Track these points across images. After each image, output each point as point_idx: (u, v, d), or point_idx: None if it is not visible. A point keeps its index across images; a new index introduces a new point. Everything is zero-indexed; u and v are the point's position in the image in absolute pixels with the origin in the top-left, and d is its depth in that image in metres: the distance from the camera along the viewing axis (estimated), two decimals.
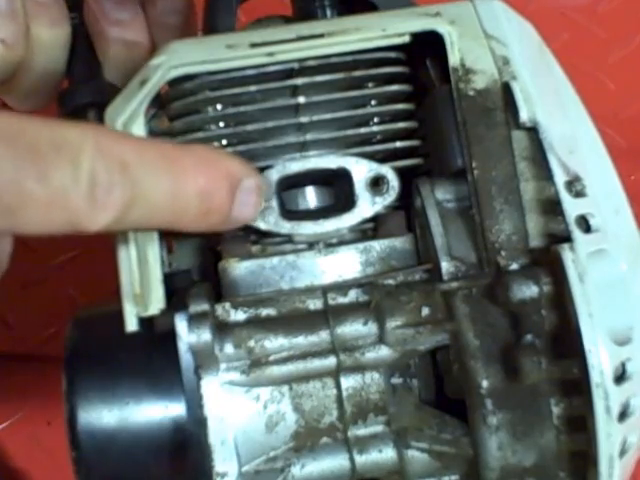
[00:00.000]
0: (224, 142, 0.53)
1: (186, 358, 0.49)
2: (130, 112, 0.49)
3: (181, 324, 0.49)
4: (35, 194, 0.39)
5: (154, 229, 0.47)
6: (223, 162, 0.46)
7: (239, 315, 0.51)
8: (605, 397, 0.45)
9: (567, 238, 0.47)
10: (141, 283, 0.48)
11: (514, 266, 0.48)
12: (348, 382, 0.51)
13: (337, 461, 0.50)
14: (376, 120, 0.54)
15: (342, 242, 0.53)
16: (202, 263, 0.58)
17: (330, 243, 0.53)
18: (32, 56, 0.57)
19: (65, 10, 0.58)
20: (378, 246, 0.53)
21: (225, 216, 0.46)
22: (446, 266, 0.50)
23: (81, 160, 0.40)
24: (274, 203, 0.52)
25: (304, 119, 0.52)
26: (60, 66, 0.59)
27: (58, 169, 0.40)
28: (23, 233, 0.41)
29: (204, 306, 0.49)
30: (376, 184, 0.52)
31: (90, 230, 0.42)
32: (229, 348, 0.50)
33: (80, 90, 0.58)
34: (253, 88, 0.51)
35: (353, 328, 0.50)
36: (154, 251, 0.49)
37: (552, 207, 0.48)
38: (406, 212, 0.54)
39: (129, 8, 0.60)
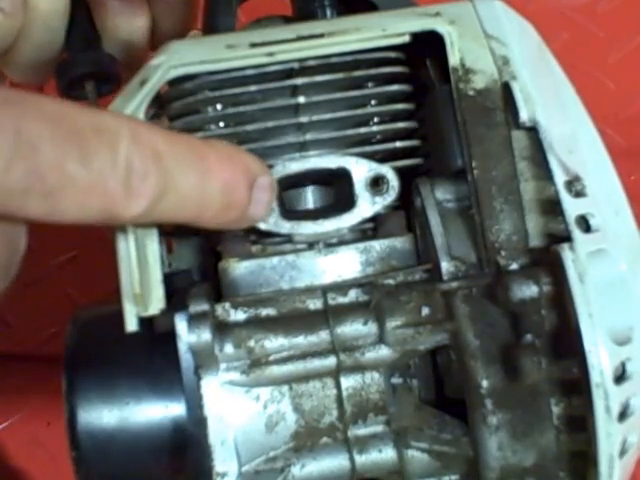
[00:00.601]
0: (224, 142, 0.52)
1: (186, 358, 0.49)
2: (130, 112, 0.49)
3: (181, 324, 0.49)
4: (77, 177, 0.39)
5: (183, 222, 0.47)
6: (242, 158, 0.47)
7: (239, 315, 0.51)
8: (605, 397, 0.45)
9: (567, 238, 0.47)
10: (141, 283, 0.48)
11: (514, 266, 0.48)
12: (348, 382, 0.51)
13: (337, 461, 0.50)
14: (376, 120, 0.54)
15: (342, 242, 0.53)
16: (202, 263, 0.58)
17: (330, 243, 0.53)
18: (31, 25, 0.56)
19: None
20: (378, 246, 0.53)
21: (243, 212, 0.47)
22: (446, 266, 0.50)
23: (119, 146, 0.40)
24: (274, 203, 0.52)
25: (304, 119, 0.52)
26: (59, 37, 0.58)
27: (99, 153, 0.40)
28: (59, 220, 0.41)
29: (204, 306, 0.49)
30: (376, 184, 0.52)
31: (123, 218, 0.42)
32: (229, 348, 0.50)
33: (78, 60, 0.58)
34: (253, 88, 0.51)
35: (353, 328, 0.50)
36: (154, 251, 0.49)
37: (552, 207, 0.48)
38: (406, 212, 0.54)
39: None
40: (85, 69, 0.57)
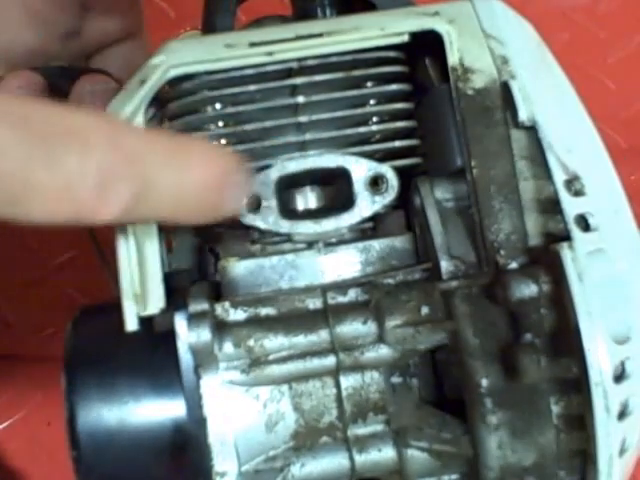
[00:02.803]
0: (223, 141, 0.53)
1: (186, 357, 0.49)
2: (129, 112, 0.49)
3: (181, 323, 0.49)
4: (43, 183, 0.38)
5: (157, 221, 0.46)
6: (217, 154, 0.46)
7: (238, 314, 0.51)
8: (604, 396, 0.45)
9: (566, 237, 0.47)
10: (141, 282, 0.48)
11: (513, 265, 0.48)
12: (348, 381, 0.51)
13: (337, 460, 0.50)
14: (375, 119, 0.54)
15: (341, 241, 0.53)
16: (202, 262, 0.58)
17: (329, 242, 0.53)
18: None
19: None
20: (377, 245, 0.53)
21: (219, 207, 0.46)
22: (445, 265, 0.50)
23: (91, 149, 0.39)
24: (273, 202, 0.52)
25: (303, 118, 0.52)
26: None
27: (67, 157, 0.38)
28: (27, 222, 0.39)
29: (204, 305, 0.49)
30: (375, 183, 0.52)
31: (94, 222, 0.40)
32: (229, 347, 0.50)
33: None
34: (252, 87, 0.51)
35: (353, 327, 0.50)
36: (154, 250, 0.49)
37: (551, 206, 0.48)
38: (405, 211, 0.54)
39: None
40: None
